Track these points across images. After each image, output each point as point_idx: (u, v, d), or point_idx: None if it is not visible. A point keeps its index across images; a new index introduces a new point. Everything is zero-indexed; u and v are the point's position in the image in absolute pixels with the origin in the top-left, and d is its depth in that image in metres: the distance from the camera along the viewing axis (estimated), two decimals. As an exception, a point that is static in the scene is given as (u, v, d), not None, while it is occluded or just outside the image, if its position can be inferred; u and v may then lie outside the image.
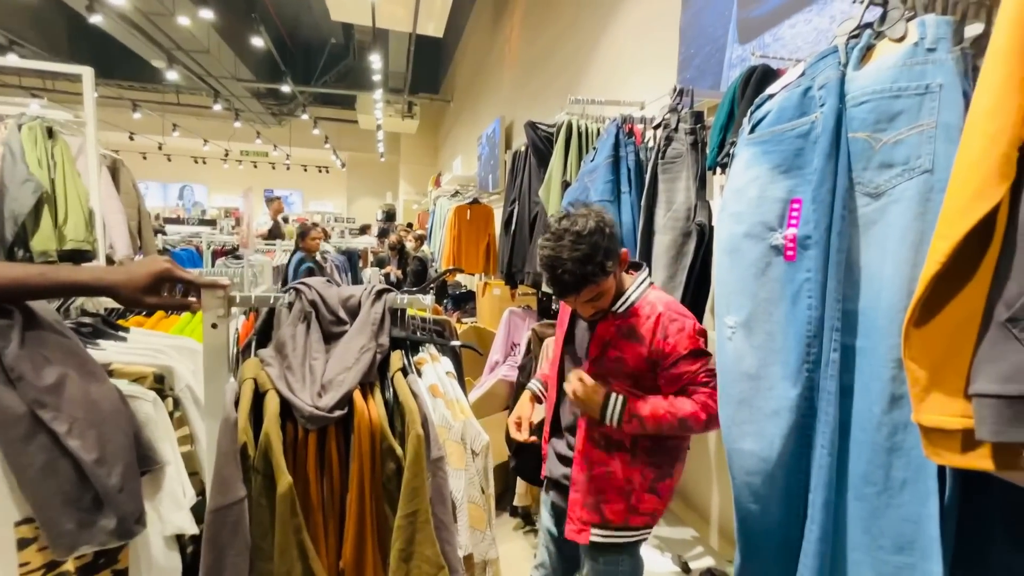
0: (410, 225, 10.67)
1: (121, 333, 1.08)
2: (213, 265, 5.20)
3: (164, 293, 0.84)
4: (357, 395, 0.82)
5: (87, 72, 2.88)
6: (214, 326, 0.89)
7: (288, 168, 15.23)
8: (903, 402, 0.76)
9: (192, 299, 0.89)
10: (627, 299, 1.17)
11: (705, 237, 1.32)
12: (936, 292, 0.62)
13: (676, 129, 1.40)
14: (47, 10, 8.10)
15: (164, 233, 5.99)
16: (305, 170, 15.63)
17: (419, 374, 0.95)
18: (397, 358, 0.94)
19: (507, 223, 2.72)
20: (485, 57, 6.87)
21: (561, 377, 1.29)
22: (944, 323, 0.63)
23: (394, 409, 0.87)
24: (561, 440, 1.30)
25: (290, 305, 0.91)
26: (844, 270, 0.84)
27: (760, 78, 1.12)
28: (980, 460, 0.61)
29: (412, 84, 10.09)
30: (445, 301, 5.92)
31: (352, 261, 5.86)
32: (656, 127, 1.51)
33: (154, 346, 1.03)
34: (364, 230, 9.64)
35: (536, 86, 4.53)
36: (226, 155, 13.43)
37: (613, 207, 1.68)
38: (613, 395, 1.12)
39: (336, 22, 9.44)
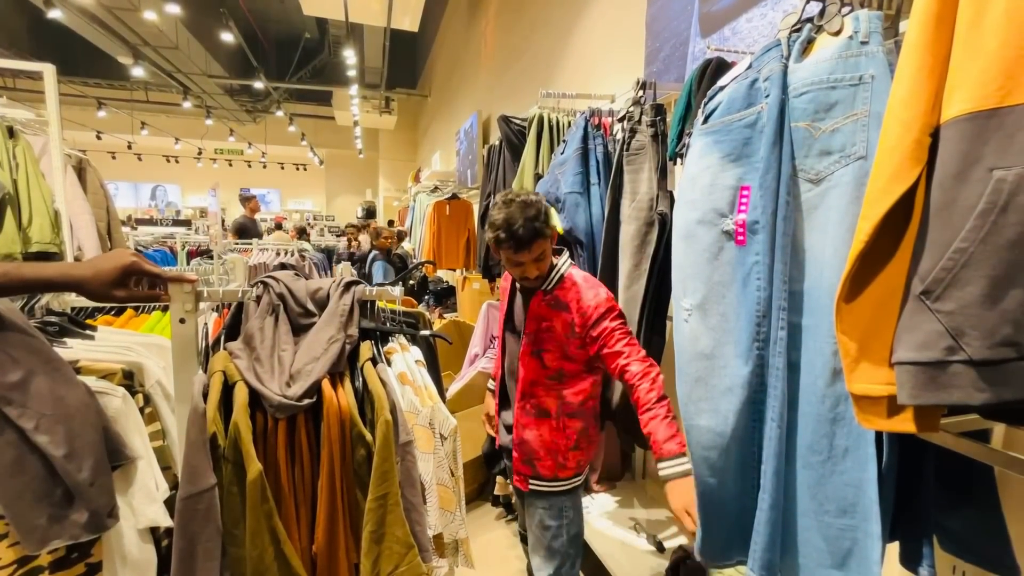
0: (391, 222, 10.60)
1: (88, 332, 1.08)
2: (188, 265, 5.12)
3: (132, 288, 0.85)
4: (326, 384, 0.84)
5: (48, 69, 2.80)
6: (182, 321, 0.90)
7: (264, 166, 14.96)
8: (843, 375, 0.82)
9: (160, 291, 0.89)
10: (554, 276, 1.34)
11: (667, 226, 1.36)
12: (862, 269, 0.67)
13: (639, 121, 1.44)
14: (5, 5, 7.80)
15: (134, 228, 5.84)
16: (282, 168, 15.36)
17: (388, 363, 0.97)
18: (367, 348, 0.96)
19: (483, 217, 2.74)
20: (462, 51, 6.84)
21: (504, 353, 1.47)
22: (870, 298, 0.68)
23: (364, 397, 0.90)
24: (508, 411, 1.45)
25: (258, 299, 0.92)
26: (790, 253, 0.88)
27: (714, 71, 1.16)
28: (904, 423, 0.66)
29: (389, 79, 9.99)
30: (427, 297, 5.92)
31: (330, 259, 5.82)
32: (621, 120, 1.55)
33: (123, 344, 1.03)
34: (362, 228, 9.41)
35: (511, 80, 4.54)
36: (199, 154, 13.12)
37: (583, 198, 1.72)
38: (668, 465, 1.16)
39: (310, 17, 9.32)
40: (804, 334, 0.89)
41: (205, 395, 0.80)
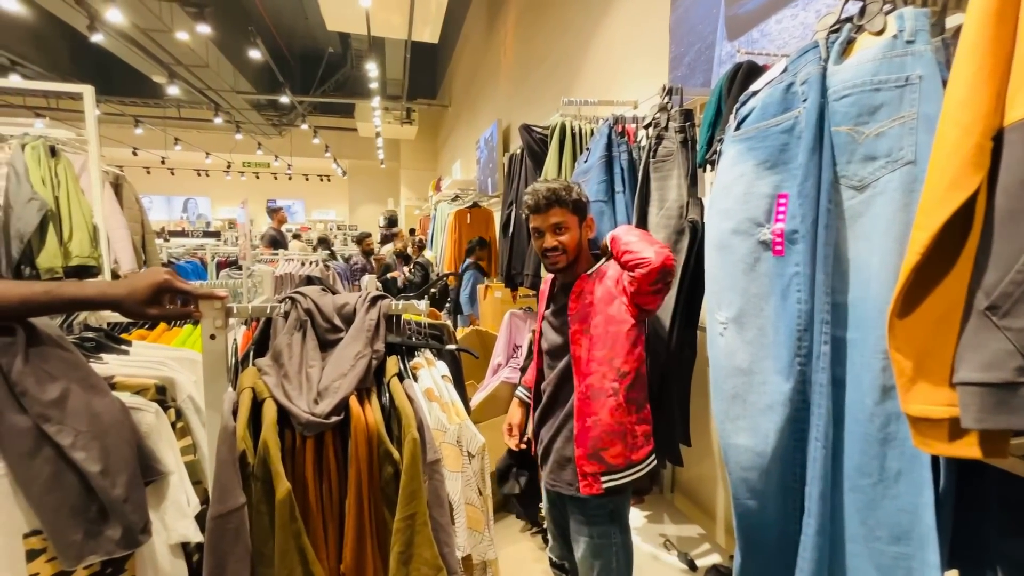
0: (412, 231, 10.71)
1: (123, 347, 1.10)
2: (217, 276, 5.26)
3: (166, 305, 0.86)
4: (353, 401, 0.83)
5: (88, 90, 2.92)
6: (212, 336, 0.90)
7: (290, 178, 15.34)
8: (894, 392, 0.77)
9: (192, 308, 0.90)
10: (598, 264, 1.33)
11: (698, 234, 1.33)
12: (918, 282, 0.63)
13: (666, 128, 1.41)
14: (48, 30, 8.22)
15: (167, 240, 6.04)
16: (307, 179, 15.72)
17: (415, 379, 0.96)
18: (393, 363, 0.95)
19: (505, 226, 2.73)
20: (481, 61, 6.90)
21: (541, 356, 1.42)
22: (927, 313, 0.63)
23: (391, 414, 0.89)
24: (549, 420, 1.37)
25: (286, 314, 0.92)
26: (832, 263, 0.84)
27: (746, 75, 1.12)
28: (968, 448, 0.61)
29: (410, 90, 10.14)
30: (448, 306, 5.95)
31: (353, 268, 5.90)
32: (647, 126, 1.52)
33: (156, 358, 1.05)
34: (388, 239, 9.51)
35: (531, 88, 4.55)
36: (228, 167, 13.54)
37: (608, 207, 1.69)
38: None
39: (333, 32, 9.56)
40: (849, 348, 0.84)
41: (235, 412, 0.80)
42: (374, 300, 0.98)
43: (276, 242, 5.32)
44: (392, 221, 11.98)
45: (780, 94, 0.91)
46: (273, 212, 5.71)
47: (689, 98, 1.50)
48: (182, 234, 12.00)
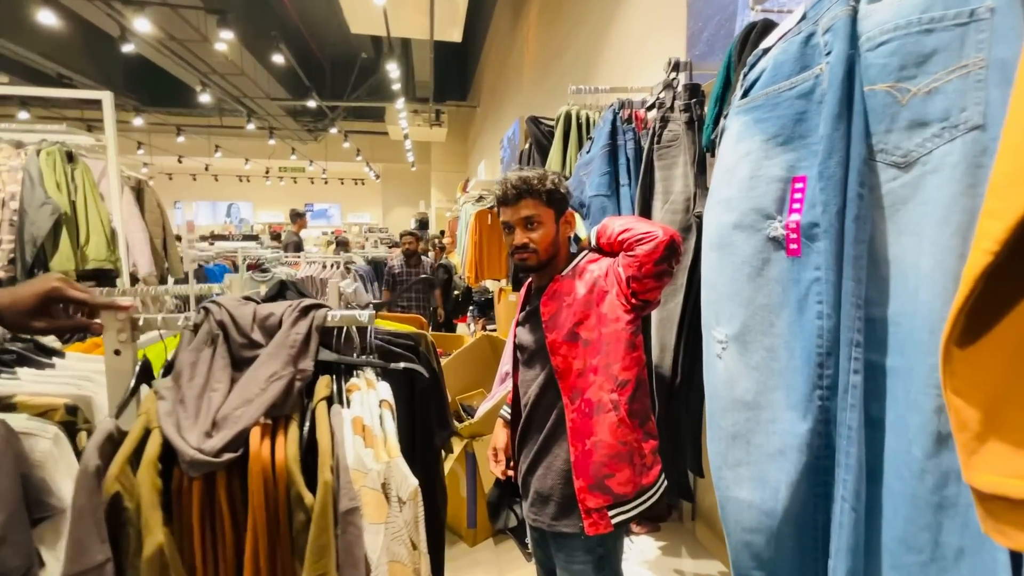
0: (442, 233, 10.70)
1: (54, 359, 1.01)
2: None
3: (57, 316, 0.75)
4: (256, 433, 0.69)
5: (107, 97, 2.97)
6: (117, 352, 0.79)
7: (326, 182, 15.73)
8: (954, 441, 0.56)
9: (95, 321, 0.79)
10: (575, 263, 1.17)
11: (706, 231, 1.12)
12: (989, 294, 0.43)
13: (671, 108, 1.21)
14: (105, 51, 8.66)
15: (211, 244, 6.19)
16: (342, 183, 16.08)
17: (348, 404, 0.81)
18: (324, 386, 0.81)
19: (513, 226, 2.57)
20: (506, 59, 6.77)
21: (518, 370, 1.27)
22: (1002, 339, 0.43)
23: (315, 448, 0.74)
24: (532, 442, 1.19)
25: (196, 327, 0.80)
26: (866, 266, 0.64)
27: (759, 35, 0.92)
28: (1069, 545, 0.41)
29: (441, 92, 10.12)
30: (472, 308, 5.82)
31: (378, 271, 5.87)
32: (650, 108, 1.32)
33: (83, 373, 0.95)
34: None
35: (552, 82, 4.37)
36: (267, 172, 14.00)
37: (610, 202, 1.50)
38: None
39: (366, 39, 9.67)
40: (890, 379, 0.63)
41: (118, 444, 0.67)
42: (305, 310, 0.84)
43: (297, 247, 5.37)
44: (423, 223, 12.04)
45: (796, 49, 0.70)
46: (297, 217, 5.77)
47: (707, 75, 1.29)
48: (225, 238, 12.50)
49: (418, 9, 5.61)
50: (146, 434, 0.69)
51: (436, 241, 6.16)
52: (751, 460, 0.70)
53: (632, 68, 2.54)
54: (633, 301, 1.06)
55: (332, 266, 4.96)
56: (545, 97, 4.61)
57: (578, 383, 1.10)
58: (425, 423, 1.25)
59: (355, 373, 0.88)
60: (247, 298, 0.86)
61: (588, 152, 1.62)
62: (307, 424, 0.76)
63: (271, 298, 1.49)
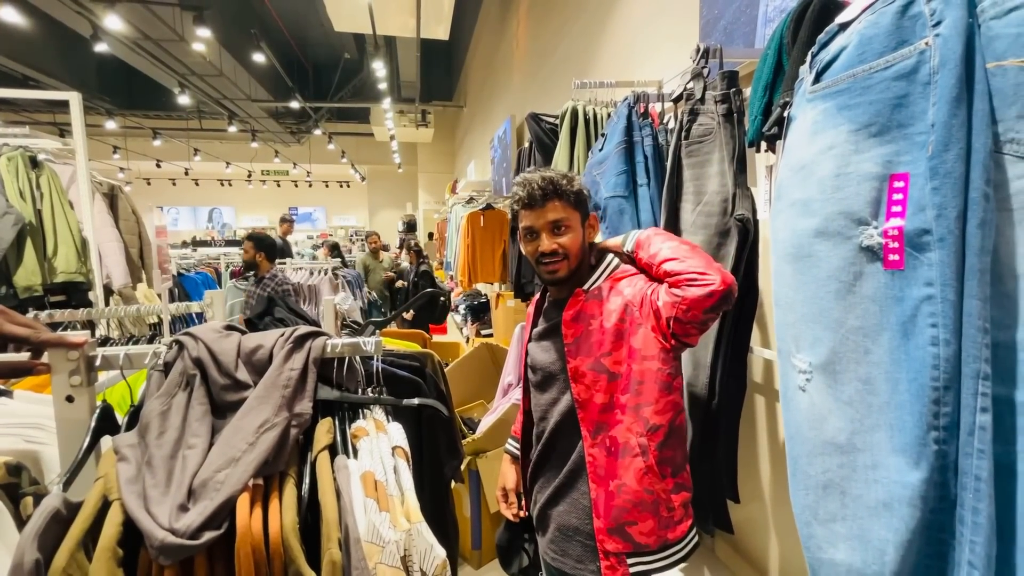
0: (431, 235, 10.53)
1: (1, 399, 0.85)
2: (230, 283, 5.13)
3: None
4: (244, 502, 0.56)
5: (74, 97, 2.78)
6: (69, 399, 0.64)
7: (310, 185, 15.43)
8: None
9: (39, 362, 0.65)
10: (600, 274, 1.05)
11: (749, 236, 1.01)
12: None
13: (702, 100, 1.09)
14: (78, 52, 8.33)
15: (195, 250, 5.96)
16: (327, 186, 15.79)
17: (355, 453, 0.68)
18: (325, 430, 0.67)
19: (514, 230, 2.44)
20: (494, 57, 6.65)
21: (529, 395, 1.14)
22: None
23: (317, 510, 0.60)
24: (547, 476, 1.08)
25: (167, 366, 0.66)
26: (989, 282, 0.52)
27: (819, 12, 0.80)
28: None
29: (427, 92, 9.94)
30: (464, 312, 5.68)
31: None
32: (675, 100, 1.21)
33: (31, 419, 0.79)
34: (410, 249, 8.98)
35: (544, 79, 4.26)
36: (249, 176, 13.68)
37: (628, 203, 1.39)
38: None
39: (349, 39, 9.46)
40: (1022, 418, 0.52)
41: (69, 522, 0.53)
42: (300, 340, 0.71)
43: (282, 252, 5.18)
44: (411, 226, 11.84)
45: (890, 21, 0.59)
46: (283, 222, 5.58)
47: (733, 63, 1.18)
48: (208, 244, 12.14)
49: (403, 6, 5.45)
50: (104, 507, 0.55)
51: (413, 243, 6.04)
52: (848, 515, 0.59)
53: (639, 62, 2.43)
54: (672, 342, 0.94)
55: (321, 272, 4.78)
56: (537, 94, 4.49)
57: (601, 418, 0.98)
58: (433, 452, 1.12)
59: (361, 412, 0.75)
60: (230, 327, 0.72)
61: (601, 150, 1.50)
62: (306, 480, 0.63)
63: (259, 316, 1.35)
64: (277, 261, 5.19)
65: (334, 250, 5.65)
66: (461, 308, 5.51)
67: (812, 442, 0.61)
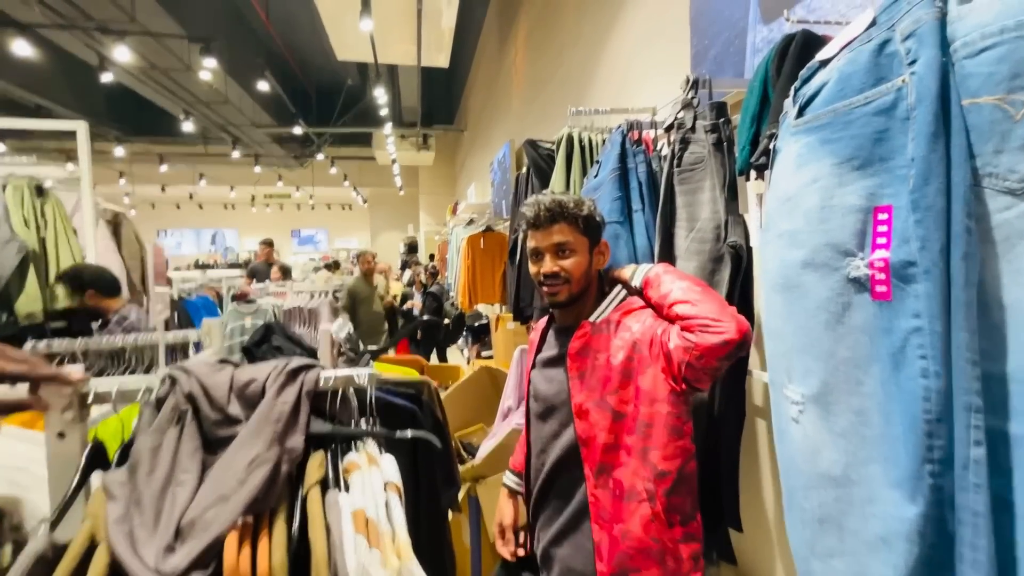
0: (431, 257, 10.59)
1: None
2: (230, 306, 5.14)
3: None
4: (232, 541, 0.55)
5: (81, 126, 2.84)
6: (61, 435, 0.64)
7: (313, 208, 15.59)
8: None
9: (36, 397, 0.65)
10: (607, 305, 1.04)
11: (742, 262, 1.02)
12: None
13: (692, 128, 1.11)
14: (87, 81, 8.54)
15: (204, 272, 5.96)
16: (329, 208, 15.96)
17: (346, 487, 0.67)
18: (317, 465, 0.67)
19: (512, 252, 2.46)
20: (493, 83, 6.79)
21: (530, 429, 1.12)
22: None
23: (307, 547, 0.60)
24: (549, 514, 1.05)
25: (159, 401, 0.66)
26: (976, 313, 0.53)
27: (802, 47, 0.83)
28: None
29: (428, 117, 10.11)
30: (465, 334, 5.66)
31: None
32: (667, 128, 1.23)
33: (15, 460, 0.79)
34: (407, 265, 8.55)
35: (543, 104, 4.34)
36: (253, 200, 13.85)
37: (623, 228, 1.40)
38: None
39: (352, 66, 9.69)
40: (1016, 450, 0.52)
41: (55, 565, 0.52)
42: (293, 373, 0.71)
43: (257, 273, 5.21)
44: (412, 247, 11.92)
45: (868, 59, 0.61)
46: (262, 246, 5.60)
47: (721, 93, 1.21)
48: (212, 266, 12.21)
49: (404, 36, 5.60)
50: (91, 548, 0.54)
51: (433, 266, 5.98)
52: (846, 550, 0.58)
53: (634, 90, 2.49)
54: (683, 386, 0.92)
55: (321, 295, 4.79)
56: (535, 119, 4.58)
57: (605, 459, 0.96)
58: (430, 482, 1.11)
59: (354, 444, 0.74)
60: (224, 361, 0.72)
61: (596, 176, 1.52)
62: (297, 517, 0.62)
63: (256, 344, 1.35)
64: (277, 285, 5.19)
65: (286, 273, 5.47)
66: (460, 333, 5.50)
67: (807, 475, 0.61)
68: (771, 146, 0.75)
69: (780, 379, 0.65)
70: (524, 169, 2.42)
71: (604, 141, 1.81)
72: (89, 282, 2.30)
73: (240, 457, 0.61)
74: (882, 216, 0.59)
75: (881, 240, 0.59)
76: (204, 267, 11.41)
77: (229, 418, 0.65)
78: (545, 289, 1.02)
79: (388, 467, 0.71)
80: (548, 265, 1.00)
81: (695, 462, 0.96)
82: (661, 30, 2.22)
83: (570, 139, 1.82)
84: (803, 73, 0.70)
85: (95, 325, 2.00)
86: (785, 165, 0.68)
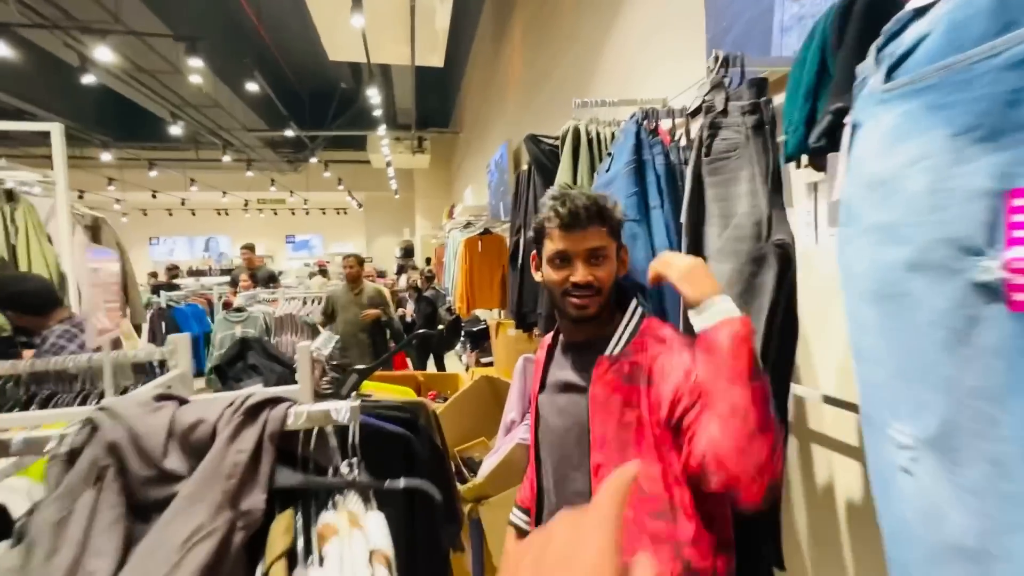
0: (428, 260, 10.43)
1: None
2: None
3: None
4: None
5: (55, 128, 2.68)
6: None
7: (307, 213, 15.41)
8: None
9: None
10: (622, 333, 0.88)
11: (791, 265, 0.87)
12: None
13: (725, 111, 0.97)
14: (74, 86, 8.36)
15: (197, 280, 5.78)
16: (323, 213, 15.78)
17: (321, 561, 0.52)
18: (282, 530, 0.52)
19: (513, 255, 2.32)
20: (489, 83, 6.66)
21: (539, 461, 0.98)
22: None
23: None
24: None
25: (72, 455, 0.50)
26: None
27: (868, 5, 0.69)
28: None
29: (423, 119, 9.97)
30: (463, 340, 5.51)
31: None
32: (691, 114, 1.09)
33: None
34: (403, 269, 8.52)
35: (541, 103, 4.21)
36: (246, 205, 13.68)
37: (641, 227, 1.26)
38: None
39: (345, 68, 9.54)
40: None
41: None
42: (254, 411, 0.56)
43: (235, 282, 5.08)
44: (408, 251, 11.76)
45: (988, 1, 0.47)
46: (243, 250, 5.47)
47: (753, 71, 1.07)
48: (204, 273, 12.00)
49: (398, 35, 5.47)
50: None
51: (430, 271, 5.84)
52: (987, 649, 0.43)
53: (631, 81, 2.35)
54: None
55: (313, 301, 4.63)
56: (534, 118, 4.44)
57: (632, 541, 0.81)
58: (428, 526, 0.96)
59: (332, 498, 0.59)
60: (163, 396, 0.57)
61: (608, 170, 1.38)
62: (253, 608, 0.47)
63: (230, 361, 1.20)
64: (267, 292, 5.02)
65: (324, 275, 5.43)
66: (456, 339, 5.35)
67: (928, 545, 0.46)
68: (845, 122, 0.61)
69: (880, 415, 0.51)
70: (525, 167, 2.28)
71: (613, 135, 1.67)
72: (7, 303, 1.94)
73: (175, 530, 0.46)
74: (1018, 202, 0.45)
75: (1019, 233, 0.44)
76: (196, 274, 11.21)
77: (165, 474, 0.50)
78: (575, 300, 0.87)
79: (374, 529, 0.56)
80: (582, 273, 0.85)
81: (734, 560, 0.82)
82: (668, 18, 2.09)
83: (576, 132, 1.68)
84: (889, 27, 0.56)
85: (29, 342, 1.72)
86: (872, 142, 0.54)
